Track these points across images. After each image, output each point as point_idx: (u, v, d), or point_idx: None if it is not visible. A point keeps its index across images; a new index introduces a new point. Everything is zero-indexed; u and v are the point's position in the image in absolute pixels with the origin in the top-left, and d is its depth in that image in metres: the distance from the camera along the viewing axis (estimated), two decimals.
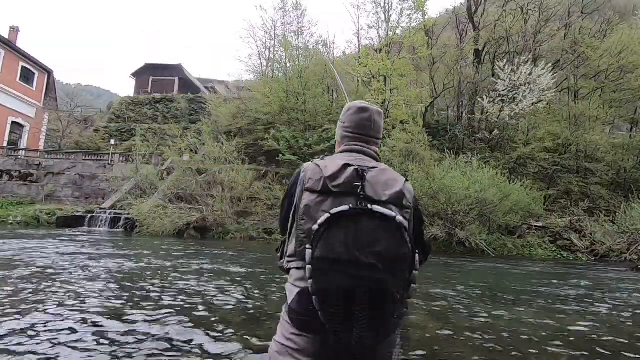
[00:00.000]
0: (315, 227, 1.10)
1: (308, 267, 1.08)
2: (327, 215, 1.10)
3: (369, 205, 1.13)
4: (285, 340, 1.19)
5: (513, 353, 3.23)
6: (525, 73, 17.53)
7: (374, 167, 1.25)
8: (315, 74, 21.53)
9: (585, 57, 19.91)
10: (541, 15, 20.62)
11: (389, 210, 1.14)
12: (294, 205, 1.25)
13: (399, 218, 1.13)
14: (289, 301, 1.20)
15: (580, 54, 19.96)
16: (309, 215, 1.17)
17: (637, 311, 5.14)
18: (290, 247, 1.26)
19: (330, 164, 1.23)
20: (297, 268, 1.21)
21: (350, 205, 1.12)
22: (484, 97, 18.51)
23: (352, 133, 1.40)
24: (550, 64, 18.55)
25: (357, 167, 1.22)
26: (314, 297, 1.07)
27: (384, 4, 22.69)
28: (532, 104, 17.55)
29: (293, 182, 1.29)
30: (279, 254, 1.37)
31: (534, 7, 20.75)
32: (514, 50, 20.69)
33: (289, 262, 1.26)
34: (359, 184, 1.18)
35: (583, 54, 19.84)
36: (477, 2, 21.88)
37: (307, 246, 1.10)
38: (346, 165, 1.22)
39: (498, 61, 19.78)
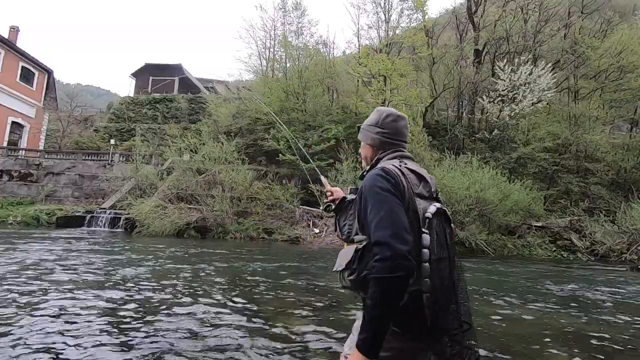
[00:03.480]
0: (429, 214, 1.21)
1: (425, 251, 1.16)
2: (434, 207, 1.24)
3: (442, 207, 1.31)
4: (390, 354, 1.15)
5: (513, 350, 3.23)
6: (525, 73, 17.50)
7: None
8: (315, 74, 21.51)
9: (585, 57, 19.87)
10: (541, 15, 20.60)
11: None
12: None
13: None
14: None
15: (580, 54, 19.93)
16: (423, 220, 1.20)
17: (637, 311, 5.14)
18: None
19: (419, 171, 1.33)
20: None
21: (438, 206, 1.27)
22: (484, 97, 18.49)
23: (394, 140, 1.44)
24: (550, 64, 18.53)
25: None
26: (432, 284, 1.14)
27: (384, 4, 22.69)
28: (532, 104, 17.52)
29: (394, 185, 1.21)
30: (354, 266, 1.20)
31: (534, 7, 20.72)
32: (514, 50, 20.67)
33: None
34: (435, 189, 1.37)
35: (583, 54, 19.81)
36: (477, 2, 21.85)
37: (425, 230, 1.18)
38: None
39: (498, 61, 19.75)
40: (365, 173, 1.41)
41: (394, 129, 1.44)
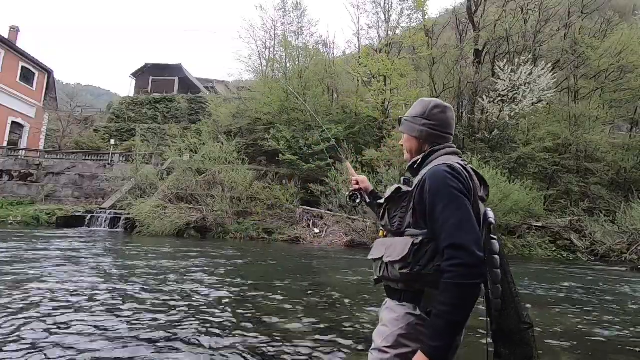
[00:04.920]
0: (492, 220, 1.23)
1: (496, 257, 1.17)
2: (491, 211, 1.26)
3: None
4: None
5: None
6: (525, 73, 17.48)
7: None
8: (315, 74, 21.51)
9: (585, 57, 19.87)
10: (541, 15, 20.57)
11: None
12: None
13: None
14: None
15: (580, 54, 19.92)
16: (488, 225, 1.20)
17: (636, 311, 5.14)
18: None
19: (479, 173, 1.30)
20: None
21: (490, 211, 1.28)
22: (484, 97, 18.47)
23: (444, 133, 1.36)
24: (550, 64, 18.51)
25: None
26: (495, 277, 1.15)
27: (384, 4, 22.71)
28: (532, 104, 17.49)
29: (466, 186, 1.18)
30: (409, 260, 1.17)
31: (534, 7, 20.71)
32: (514, 50, 20.64)
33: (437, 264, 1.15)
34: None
35: (583, 54, 19.81)
36: (477, 2, 21.83)
37: (494, 236, 1.20)
38: None
39: (498, 61, 19.72)
40: (415, 166, 1.36)
41: (441, 121, 1.35)
